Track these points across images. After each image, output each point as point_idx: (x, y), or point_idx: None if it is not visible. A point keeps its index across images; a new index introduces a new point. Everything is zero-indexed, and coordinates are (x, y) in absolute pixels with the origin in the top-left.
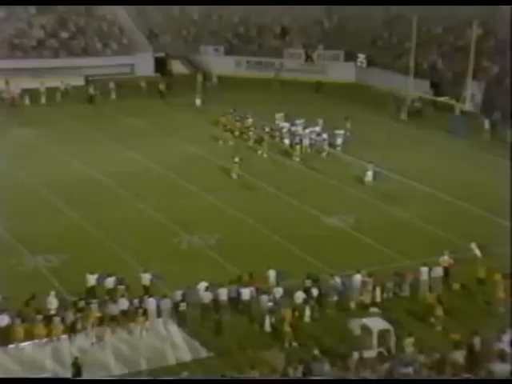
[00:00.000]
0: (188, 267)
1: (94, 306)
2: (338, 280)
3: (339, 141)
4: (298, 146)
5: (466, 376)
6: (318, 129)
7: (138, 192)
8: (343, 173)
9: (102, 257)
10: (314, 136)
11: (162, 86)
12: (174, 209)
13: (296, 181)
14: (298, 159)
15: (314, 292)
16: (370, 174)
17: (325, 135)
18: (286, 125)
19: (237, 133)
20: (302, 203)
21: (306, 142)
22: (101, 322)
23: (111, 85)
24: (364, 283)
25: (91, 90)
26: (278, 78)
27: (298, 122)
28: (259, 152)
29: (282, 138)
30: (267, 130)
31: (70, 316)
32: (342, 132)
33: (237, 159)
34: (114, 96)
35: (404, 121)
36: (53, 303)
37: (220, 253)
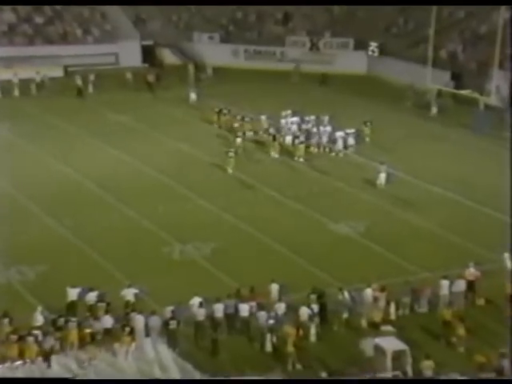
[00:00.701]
0: (180, 280)
1: (73, 324)
2: (346, 295)
3: (351, 141)
4: (301, 146)
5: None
6: (328, 128)
7: (123, 196)
8: (352, 175)
9: (84, 269)
10: (325, 135)
11: (151, 78)
12: (164, 215)
13: (300, 183)
14: (301, 159)
15: (320, 308)
16: (382, 176)
17: (339, 133)
18: (294, 119)
19: (238, 138)
20: (306, 208)
21: (313, 141)
22: (82, 342)
23: (91, 77)
24: (376, 298)
25: (79, 82)
26: (297, 71)
27: (308, 118)
28: (272, 153)
29: (294, 137)
30: (271, 130)
31: (49, 336)
32: (353, 131)
33: (231, 153)
34: (91, 89)
35: (432, 117)
36: (39, 321)
37: (216, 264)
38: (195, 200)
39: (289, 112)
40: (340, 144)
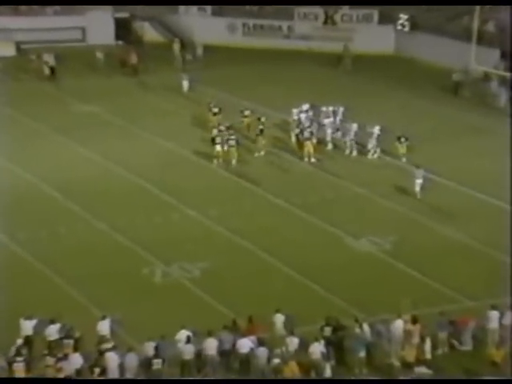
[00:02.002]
0: (163, 308)
1: (19, 365)
2: (366, 328)
3: (372, 143)
4: (309, 143)
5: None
6: (352, 125)
7: (93, 205)
8: (376, 179)
9: (42, 295)
10: (345, 131)
11: (133, 59)
12: (143, 228)
13: (311, 190)
14: (312, 160)
15: (335, 344)
16: (418, 182)
17: (354, 126)
18: (305, 109)
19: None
20: (319, 220)
21: (328, 137)
22: None
23: (46, 57)
24: (408, 332)
25: (50, 60)
26: (348, 53)
27: (324, 109)
28: (261, 152)
29: (302, 131)
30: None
31: None
32: (377, 130)
33: (219, 139)
34: (47, 72)
35: (501, 108)
36: None
37: (207, 288)
38: (182, 209)
39: (306, 107)
40: (368, 143)
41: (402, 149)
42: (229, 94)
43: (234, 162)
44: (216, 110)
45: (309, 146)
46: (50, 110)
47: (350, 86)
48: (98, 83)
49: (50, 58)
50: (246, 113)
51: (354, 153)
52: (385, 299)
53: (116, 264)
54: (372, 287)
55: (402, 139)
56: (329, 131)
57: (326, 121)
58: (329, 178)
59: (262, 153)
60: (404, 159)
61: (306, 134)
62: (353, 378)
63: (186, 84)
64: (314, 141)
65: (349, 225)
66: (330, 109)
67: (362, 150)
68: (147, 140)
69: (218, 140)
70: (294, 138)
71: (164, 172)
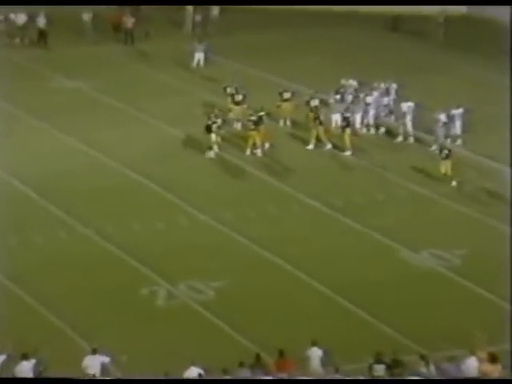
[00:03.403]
0: (167, 339)
1: None
2: (432, 368)
3: (458, 125)
4: (348, 130)
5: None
6: (410, 104)
7: (78, 207)
8: (441, 176)
9: (12, 321)
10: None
11: (129, 22)
12: (142, 236)
13: (355, 188)
14: (348, 152)
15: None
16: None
17: (409, 105)
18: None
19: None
20: (366, 227)
21: (370, 120)
22: None
23: (21, 18)
24: (484, 374)
25: (40, 23)
26: (445, 15)
27: (376, 85)
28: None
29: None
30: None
31: None
32: (459, 112)
33: (215, 125)
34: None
35: None
36: None
37: (223, 313)
38: (190, 213)
39: (353, 83)
40: (439, 132)
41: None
42: (252, 68)
43: (258, 151)
44: (239, 97)
45: (347, 134)
46: (23, 87)
47: (406, 56)
48: (84, 53)
49: (39, 19)
50: (286, 95)
51: (411, 140)
52: (453, 330)
53: (107, 282)
54: (435, 314)
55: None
56: (371, 113)
57: (370, 99)
58: (378, 174)
59: (329, 146)
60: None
61: (349, 118)
62: None
63: (197, 55)
64: (358, 126)
65: (405, 233)
66: (382, 85)
67: (421, 137)
68: (146, 125)
69: (214, 128)
70: (334, 123)
71: (167, 166)
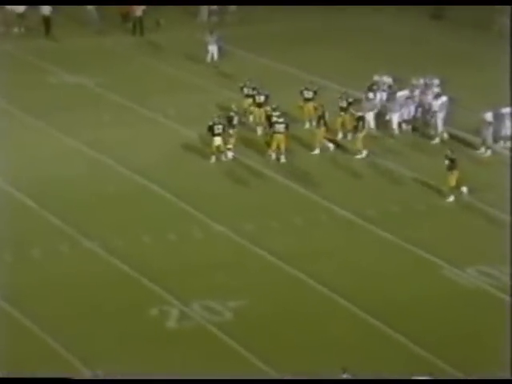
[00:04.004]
0: (180, 365)
1: None
2: None
3: (508, 125)
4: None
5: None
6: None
7: (81, 217)
8: (488, 182)
9: (7, 345)
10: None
11: (138, 10)
12: (152, 250)
13: (391, 197)
14: (361, 155)
15: None
16: None
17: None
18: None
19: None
20: (403, 240)
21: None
22: None
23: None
24: None
25: (45, 10)
26: None
27: (414, 82)
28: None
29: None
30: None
31: None
32: (489, 116)
33: (219, 128)
34: (18, 30)
35: None
36: None
37: (243, 337)
38: (206, 223)
39: (387, 79)
40: (486, 133)
41: None
42: (273, 61)
43: (282, 157)
44: (261, 97)
45: (360, 136)
46: (19, 81)
47: (450, 48)
48: (87, 44)
49: (44, 6)
50: (307, 94)
51: (437, 140)
52: (505, 358)
53: (112, 301)
54: (484, 339)
55: None
56: (407, 112)
57: (400, 94)
58: (415, 180)
59: (364, 154)
60: None
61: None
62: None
63: (210, 48)
64: (394, 127)
65: (447, 248)
66: (422, 81)
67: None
68: (156, 126)
69: (217, 129)
70: (372, 123)
71: (180, 171)
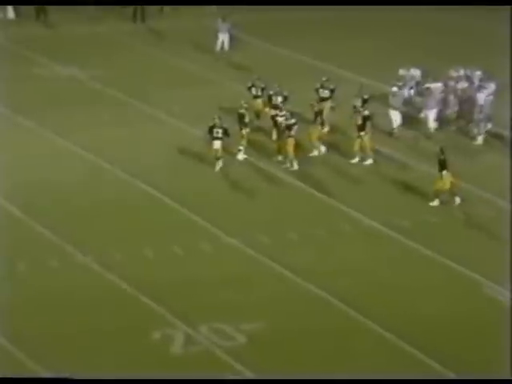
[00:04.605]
0: None
1: None
2: None
3: None
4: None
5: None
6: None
7: (74, 228)
8: None
9: None
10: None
11: None
12: (153, 265)
13: (419, 204)
14: (370, 161)
15: None
16: None
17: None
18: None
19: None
20: (439, 254)
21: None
22: None
23: None
24: None
25: None
26: None
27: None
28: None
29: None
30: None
31: None
32: None
33: (218, 132)
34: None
35: None
36: None
37: (256, 364)
38: (215, 236)
39: (415, 72)
40: None
41: None
42: (289, 51)
43: (295, 164)
44: (279, 98)
45: (366, 137)
46: (4, 74)
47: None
48: (82, 32)
49: None
50: (323, 93)
51: (480, 140)
52: None
53: (109, 323)
54: None
55: None
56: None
57: (434, 86)
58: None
59: (371, 160)
60: None
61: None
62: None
63: (221, 36)
64: (432, 125)
65: (488, 263)
66: (462, 73)
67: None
68: (159, 124)
69: (216, 132)
70: (394, 123)
71: (186, 175)
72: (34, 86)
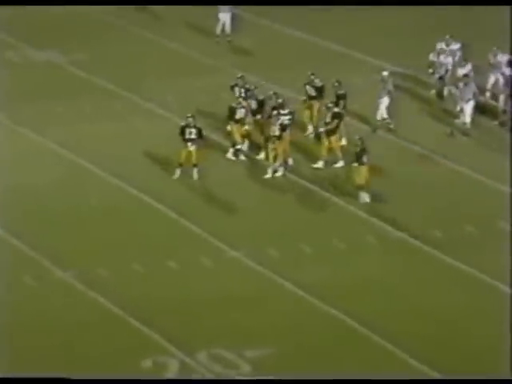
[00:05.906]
0: None
1: None
2: None
3: None
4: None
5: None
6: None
7: (52, 238)
8: None
9: None
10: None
11: None
12: (146, 282)
13: (453, 211)
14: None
15: None
16: None
17: None
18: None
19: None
20: (471, 267)
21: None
22: None
23: None
24: None
25: None
26: None
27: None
28: None
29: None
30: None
31: None
32: None
33: (193, 131)
34: None
35: None
36: None
37: None
38: (216, 248)
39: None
40: None
41: None
42: (305, 33)
43: (290, 160)
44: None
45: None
46: None
47: None
48: (62, 11)
49: None
50: (310, 91)
51: None
52: None
53: (93, 349)
54: None
55: None
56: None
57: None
58: (498, 192)
59: (342, 162)
60: None
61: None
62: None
63: (223, 16)
64: (468, 120)
65: None
66: (505, 57)
67: None
68: (153, 118)
69: (188, 133)
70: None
71: (182, 178)
72: (3, 74)
